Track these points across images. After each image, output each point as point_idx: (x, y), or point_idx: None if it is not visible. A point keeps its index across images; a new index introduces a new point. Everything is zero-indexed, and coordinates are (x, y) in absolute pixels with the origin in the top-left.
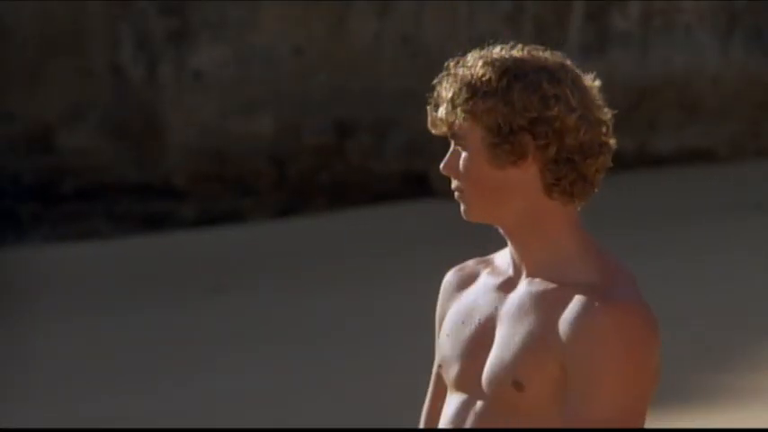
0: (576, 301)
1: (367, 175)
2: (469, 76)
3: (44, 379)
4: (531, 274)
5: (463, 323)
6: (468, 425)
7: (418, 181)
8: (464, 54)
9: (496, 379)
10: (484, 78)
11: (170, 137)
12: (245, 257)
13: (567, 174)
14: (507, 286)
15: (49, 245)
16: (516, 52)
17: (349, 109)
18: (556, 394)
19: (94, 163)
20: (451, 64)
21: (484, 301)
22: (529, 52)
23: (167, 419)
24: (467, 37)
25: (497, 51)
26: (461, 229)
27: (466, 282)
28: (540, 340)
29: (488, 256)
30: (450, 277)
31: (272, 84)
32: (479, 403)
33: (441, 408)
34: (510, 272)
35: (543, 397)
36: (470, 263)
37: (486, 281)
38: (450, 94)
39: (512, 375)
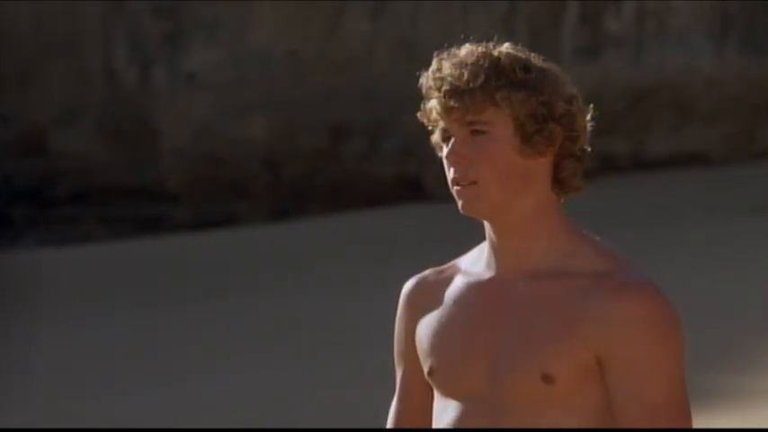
0: (598, 289)
1: (361, 178)
2: (496, 65)
3: (38, 382)
4: (534, 268)
5: (457, 328)
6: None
7: (412, 184)
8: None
9: (521, 376)
10: (515, 69)
11: (164, 140)
12: (239, 261)
13: (577, 170)
14: (502, 284)
15: (43, 248)
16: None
17: (343, 112)
18: (586, 383)
19: (88, 166)
20: (443, 55)
21: (476, 302)
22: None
23: (163, 420)
24: (462, 38)
25: (505, 47)
26: (455, 231)
27: (435, 290)
28: (565, 330)
29: (448, 264)
30: (411, 287)
31: (266, 86)
32: (497, 406)
33: (423, 418)
34: (497, 271)
35: (574, 387)
36: (429, 272)
37: (468, 283)
38: (479, 82)
39: (539, 369)
